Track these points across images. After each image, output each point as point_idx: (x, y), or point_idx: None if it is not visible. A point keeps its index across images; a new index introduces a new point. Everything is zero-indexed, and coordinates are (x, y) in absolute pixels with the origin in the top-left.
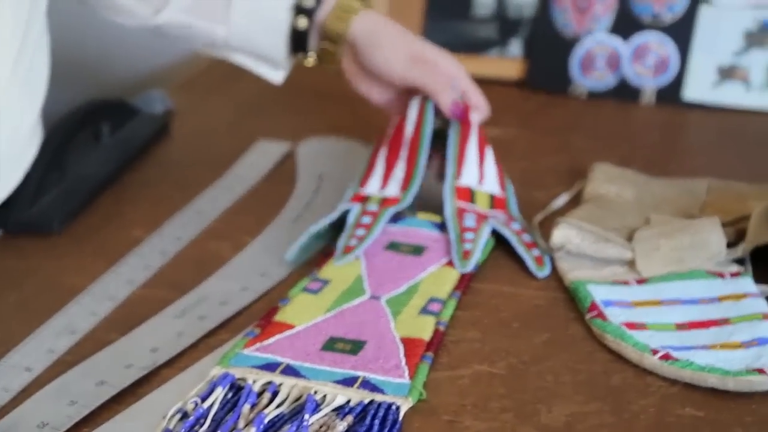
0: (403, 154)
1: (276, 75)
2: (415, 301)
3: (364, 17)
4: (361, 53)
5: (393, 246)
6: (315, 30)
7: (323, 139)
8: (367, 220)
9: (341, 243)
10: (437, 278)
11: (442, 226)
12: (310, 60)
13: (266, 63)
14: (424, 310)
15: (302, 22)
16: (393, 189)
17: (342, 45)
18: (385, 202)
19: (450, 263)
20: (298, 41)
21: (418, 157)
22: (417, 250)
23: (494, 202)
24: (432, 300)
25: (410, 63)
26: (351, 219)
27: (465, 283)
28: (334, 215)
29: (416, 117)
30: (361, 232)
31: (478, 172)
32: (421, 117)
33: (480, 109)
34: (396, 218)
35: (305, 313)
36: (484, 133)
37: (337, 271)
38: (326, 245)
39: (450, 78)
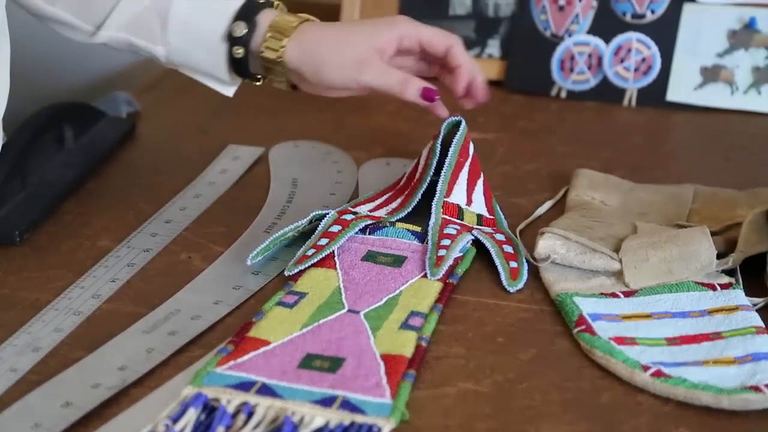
0: (402, 192)
1: (226, 90)
2: (396, 315)
3: (298, 37)
4: (308, 78)
5: (371, 256)
6: (254, 57)
7: (296, 142)
8: (335, 229)
9: (299, 251)
10: (418, 291)
11: (421, 236)
12: (257, 83)
13: (213, 80)
14: (405, 325)
15: (239, 51)
16: (381, 213)
17: (283, 73)
18: (365, 217)
19: None
20: (239, 67)
21: (414, 193)
22: (396, 261)
23: (483, 221)
24: (413, 314)
25: (363, 66)
26: (320, 227)
27: (447, 295)
28: (303, 222)
29: (424, 162)
30: (323, 241)
31: (467, 197)
32: (427, 161)
33: (477, 89)
34: (374, 228)
35: (281, 328)
36: (477, 161)
37: (314, 283)
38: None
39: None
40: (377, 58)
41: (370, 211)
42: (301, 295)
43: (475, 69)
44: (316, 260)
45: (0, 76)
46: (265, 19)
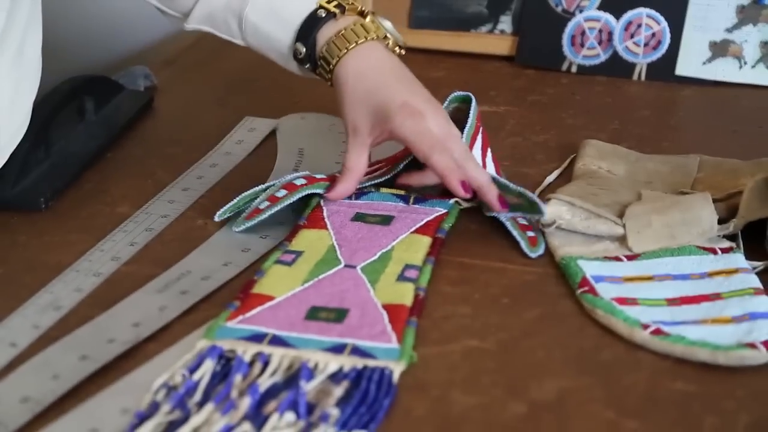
0: (390, 163)
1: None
2: (391, 268)
3: (350, 59)
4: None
5: (359, 217)
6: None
7: (303, 114)
8: (299, 182)
9: (254, 204)
10: (409, 246)
11: (406, 198)
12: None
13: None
14: (402, 277)
15: (305, 65)
16: (364, 179)
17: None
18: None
19: (420, 230)
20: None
21: (400, 161)
22: (385, 220)
23: None
24: (407, 267)
25: (349, 134)
26: (286, 178)
27: (437, 248)
28: (275, 182)
29: None
30: (281, 193)
31: (482, 162)
32: None
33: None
34: (359, 194)
35: (282, 284)
36: (486, 135)
37: (308, 242)
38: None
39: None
40: (365, 133)
41: None
42: (298, 253)
43: (455, 175)
44: (268, 214)
45: (34, 60)
46: (324, 35)
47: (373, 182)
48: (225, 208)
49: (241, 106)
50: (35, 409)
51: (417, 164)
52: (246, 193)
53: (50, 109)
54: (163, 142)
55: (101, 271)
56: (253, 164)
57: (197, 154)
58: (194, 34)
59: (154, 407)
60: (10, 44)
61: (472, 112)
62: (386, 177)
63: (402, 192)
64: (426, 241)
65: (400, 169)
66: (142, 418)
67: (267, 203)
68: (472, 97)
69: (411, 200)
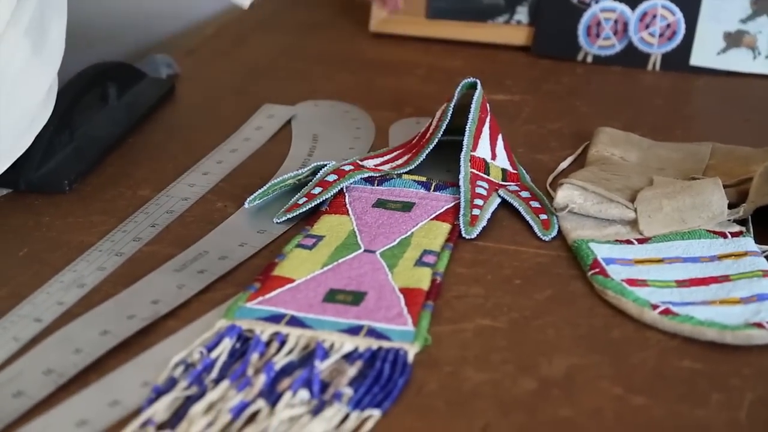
0: (410, 150)
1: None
2: (409, 253)
3: None
4: None
5: (380, 203)
6: None
7: (316, 102)
8: (331, 178)
9: (292, 200)
10: (428, 232)
11: (427, 185)
12: None
13: None
14: (420, 262)
15: None
16: (385, 168)
17: None
18: (363, 168)
19: (439, 217)
20: None
21: (420, 152)
22: (406, 207)
23: (508, 175)
24: (426, 252)
25: None
26: (317, 176)
27: (456, 235)
28: (303, 171)
29: (435, 122)
30: (317, 190)
31: (491, 151)
32: (438, 122)
33: None
34: (381, 180)
35: (302, 267)
36: (495, 119)
37: (329, 227)
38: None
39: None
40: None
41: (376, 165)
42: (319, 238)
43: None
44: (306, 209)
45: (56, 40)
46: None
47: (397, 172)
48: (255, 194)
49: (260, 94)
50: (58, 381)
51: (440, 152)
52: (275, 181)
53: (74, 94)
54: (184, 128)
55: (123, 251)
56: (271, 150)
57: (217, 139)
58: (215, 25)
59: (171, 383)
60: (22, 15)
61: (476, 96)
62: (410, 167)
63: (423, 178)
64: (445, 227)
65: (424, 158)
66: (159, 392)
67: (305, 199)
68: (478, 82)
69: (432, 187)
